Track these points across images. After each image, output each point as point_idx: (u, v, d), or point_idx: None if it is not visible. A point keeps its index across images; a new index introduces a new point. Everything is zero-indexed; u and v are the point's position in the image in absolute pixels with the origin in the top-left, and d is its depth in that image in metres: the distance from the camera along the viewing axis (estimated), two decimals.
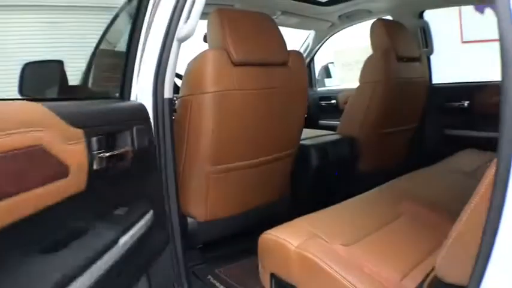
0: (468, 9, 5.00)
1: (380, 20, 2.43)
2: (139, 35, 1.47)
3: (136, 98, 1.45)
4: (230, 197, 1.76)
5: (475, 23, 5.00)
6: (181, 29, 1.44)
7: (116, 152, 1.16)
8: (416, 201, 1.58)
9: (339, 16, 2.97)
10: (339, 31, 3.25)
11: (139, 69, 1.46)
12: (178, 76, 1.85)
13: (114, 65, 1.74)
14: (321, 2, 2.82)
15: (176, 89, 1.69)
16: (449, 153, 2.49)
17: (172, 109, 1.52)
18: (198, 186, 1.66)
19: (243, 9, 1.82)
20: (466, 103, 2.64)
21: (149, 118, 1.40)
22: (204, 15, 1.47)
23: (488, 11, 5.03)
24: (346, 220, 1.43)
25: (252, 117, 1.68)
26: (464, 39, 5.12)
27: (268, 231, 1.33)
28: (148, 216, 1.32)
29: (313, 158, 2.13)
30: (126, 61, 1.47)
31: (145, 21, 1.46)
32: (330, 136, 2.41)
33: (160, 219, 1.43)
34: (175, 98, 1.65)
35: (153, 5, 1.47)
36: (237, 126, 1.64)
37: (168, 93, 1.47)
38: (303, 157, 2.10)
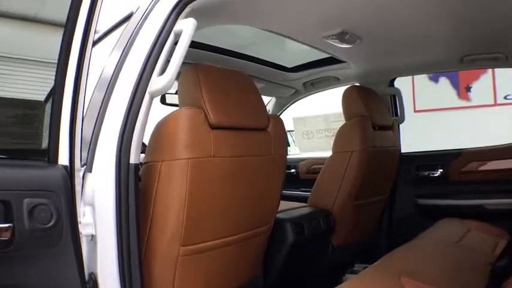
0: (420, 80, 5.21)
1: (354, 86, 2.34)
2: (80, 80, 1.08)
3: (70, 161, 1.07)
4: (200, 282, 1.47)
5: (426, 93, 5.20)
6: (155, 82, 1.22)
7: None
8: (415, 278, 1.43)
9: (304, 83, 2.88)
10: (301, 99, 3.16)
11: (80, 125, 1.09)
12: None
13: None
14: (287, 68, 2.73)
15: None
16: (423, 223, 2.42)
17: (138, 177, 1.26)
18: (163, 271, 1.36)
19: (220, 67, 1.64)
20: (438, 171, 2.57)
21: (68, 189, 1.04)
22: None
23: (443, 81, 5.26)
24: None
25: (230, 188, 1.44)
26: (416, 109, 5.30)
27: None
28: None
29: (290, 234, 1.89)
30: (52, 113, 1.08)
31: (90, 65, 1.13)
32: (304, 209, 2.20)
33: None
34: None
35: (122, 53, 1.26)
36: (213, 199, 1.39)
37: (134, 158, 1.21)
38: (278, 232, 1.86)
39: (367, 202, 2.34)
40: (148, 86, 1.22)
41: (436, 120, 5.27)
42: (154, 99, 1.29)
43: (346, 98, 2.29)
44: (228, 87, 1.48)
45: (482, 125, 4.77)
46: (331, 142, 2.40)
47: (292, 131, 3.85)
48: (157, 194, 1.31)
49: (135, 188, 1.21)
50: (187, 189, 1.29)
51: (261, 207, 1.64)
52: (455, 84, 5.17)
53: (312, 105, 3.61)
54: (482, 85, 4.95)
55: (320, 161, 3.20)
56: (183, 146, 1.28)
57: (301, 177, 3.35)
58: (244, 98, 1.53)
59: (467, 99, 5.08)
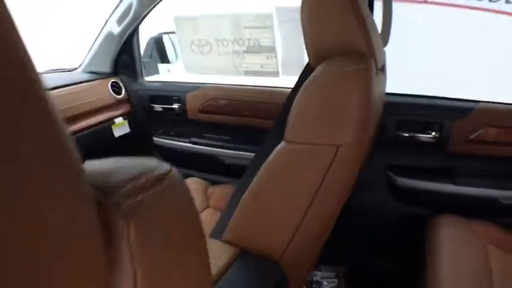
0: None
1: None
2: None
3: None
4: None
5: None
6: None
7: None
8: None
9: None
10: None
11: None
12: None
13: None
14: None
15: None
16: (399, 217, 1.65)
17: None
18: None
19: None
20: (432, 135, 1.54)
21: None
22: None
23: None
24: None
25: None
26: None
27: None
28: None
29: None
30: None
31: None
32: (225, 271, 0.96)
33: None
34: None
35: None
36: None
37: None
38: None
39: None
40: None
41: None
42: None
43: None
44: None
45: (409, 25, 3.83)
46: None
47: (173, 32, 2.45)
48: None
49: None
50: None
51: None
52: None
53: None
54: None
55: (226, 92, 1.92)
56: None
57: (190, 117, 2.07)
58: None
59: None
